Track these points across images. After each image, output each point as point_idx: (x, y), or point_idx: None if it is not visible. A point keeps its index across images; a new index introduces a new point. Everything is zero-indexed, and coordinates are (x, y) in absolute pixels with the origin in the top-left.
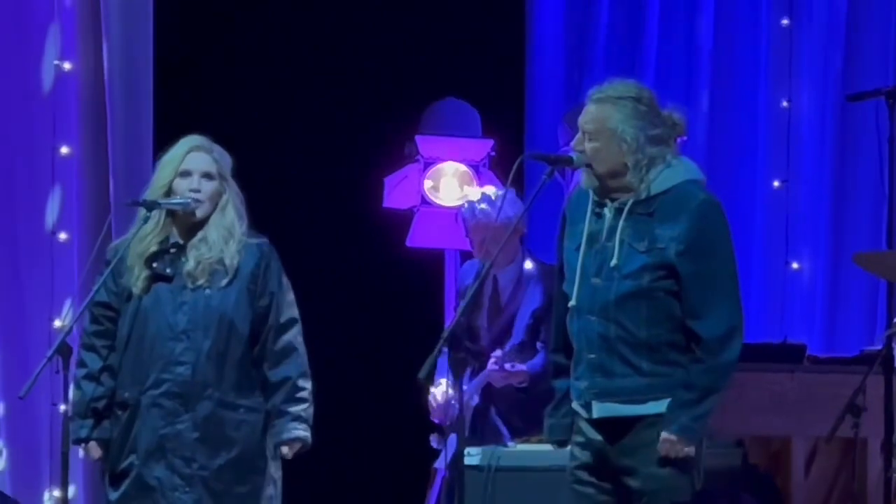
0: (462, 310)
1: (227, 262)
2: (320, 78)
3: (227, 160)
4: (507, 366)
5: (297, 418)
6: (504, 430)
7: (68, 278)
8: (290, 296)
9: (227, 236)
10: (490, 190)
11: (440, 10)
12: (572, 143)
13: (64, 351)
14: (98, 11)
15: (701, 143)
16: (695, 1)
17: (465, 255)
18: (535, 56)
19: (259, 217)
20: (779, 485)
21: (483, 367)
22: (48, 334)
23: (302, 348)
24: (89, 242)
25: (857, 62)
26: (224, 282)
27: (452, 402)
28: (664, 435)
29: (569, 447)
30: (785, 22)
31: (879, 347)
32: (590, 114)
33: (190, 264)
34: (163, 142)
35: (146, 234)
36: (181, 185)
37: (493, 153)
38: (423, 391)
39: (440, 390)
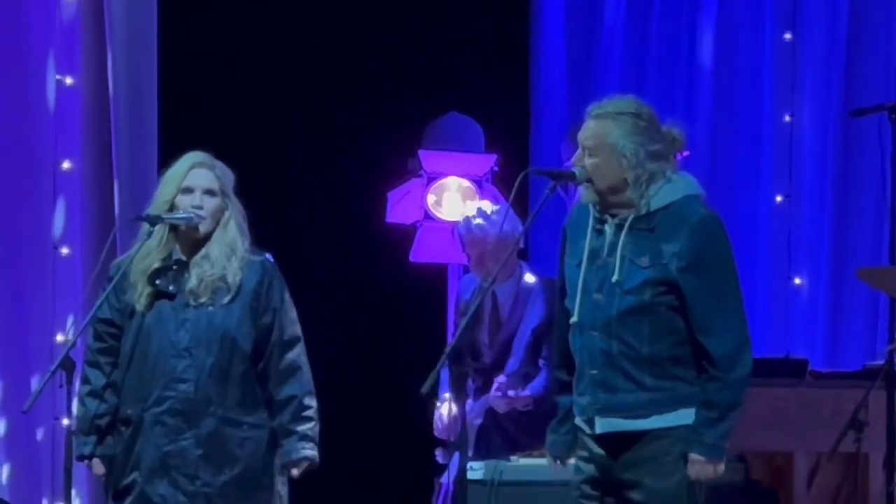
0: (464, 326)
1: (230, 279)
2: (325, 93)
3: (229, 177)
4: (511, 393)
5: (305, 437)
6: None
7: (70, 293)
8: (293, 313)
9: (229, 253)
10: (486, 205)
11: (444, 25)
12: (572, 159)
13: (67, 365)
14: (101, 25)
15: (703, 157)
16: (698, 15)
17: (468, 270)
18: (540, 72)
19: (262, 232)
20: (781, 500)
21: (485, 383)
22: (50, 349)
23: (306, 366)
24: (92, 257)
25: (859, 77)
26: (226, 299)
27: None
28: (692, 457)
29: (572, 461)
30: (787, 36)
31: (881, 362)
32: (589, 129)
33: (192, 281)
34: (167, 155)
35: (149, 251)
36: (184, 201)
37: (496, 168)
38: (427, 406)
39: (445, 408)
